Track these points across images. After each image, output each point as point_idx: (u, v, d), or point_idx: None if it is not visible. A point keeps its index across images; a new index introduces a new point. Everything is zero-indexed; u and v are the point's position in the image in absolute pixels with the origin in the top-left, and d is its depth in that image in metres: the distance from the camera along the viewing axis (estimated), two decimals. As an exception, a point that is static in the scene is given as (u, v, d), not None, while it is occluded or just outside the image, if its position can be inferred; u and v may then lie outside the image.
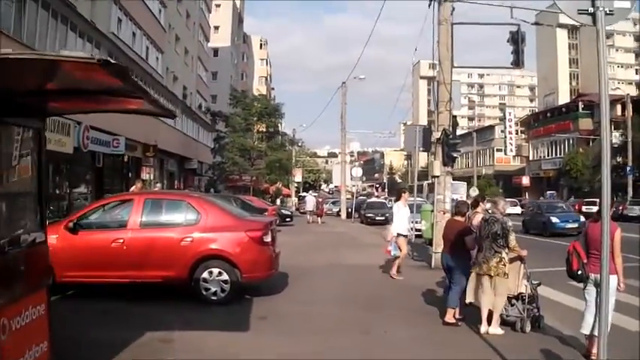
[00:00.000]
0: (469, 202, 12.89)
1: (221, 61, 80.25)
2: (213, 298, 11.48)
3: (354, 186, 53.28)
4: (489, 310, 9.42)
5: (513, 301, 9.67)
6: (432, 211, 19.42)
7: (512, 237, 9.38)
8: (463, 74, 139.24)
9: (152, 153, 37.64)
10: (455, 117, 18.77)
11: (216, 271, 11.50)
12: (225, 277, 11.49)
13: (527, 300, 9.59)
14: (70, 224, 11.75)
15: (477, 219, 10.61)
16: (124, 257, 11.44)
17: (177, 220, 12.04)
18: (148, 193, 14.11)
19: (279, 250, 13.08)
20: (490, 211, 9.99)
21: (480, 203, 11.90)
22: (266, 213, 25.16)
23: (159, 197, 13.25)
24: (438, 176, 18.35)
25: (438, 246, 17.51)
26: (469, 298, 9.91)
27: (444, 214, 17.90)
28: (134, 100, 6.01)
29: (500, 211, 9.66)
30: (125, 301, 11.68)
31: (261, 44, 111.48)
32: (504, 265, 9.30)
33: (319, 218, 46.47)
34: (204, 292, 11.50)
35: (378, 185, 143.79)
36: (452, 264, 10.31)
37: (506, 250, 9.36)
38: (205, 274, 11.49)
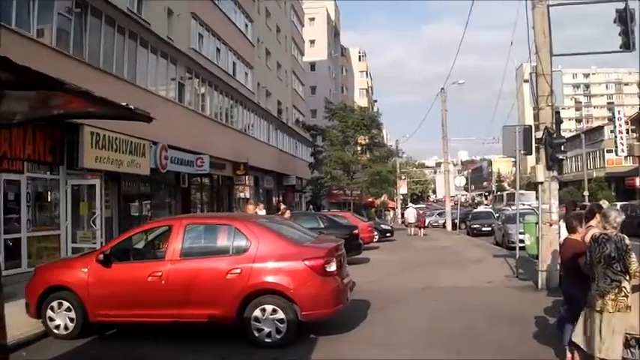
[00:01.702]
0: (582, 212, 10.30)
1: (319, 75, 79.14)
2: (267, 340, 9.46)
3: (462, 195, 50.73)
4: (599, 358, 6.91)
5: (633, 342, 7.14)
6: (537, 223, 16.67)
7: (633, 258, 6.83)
8: (567, 74, 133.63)
9: (242, 171, 36.21)
10: (558, 113, 16.02)
11: (269, 308, 9.49)
12: (280, 315, 9.44)
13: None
14: (101, 256, 10.09)
15: (589, 236, 8.17)
16: (162, 293, 9.66)
17: (222, 248, 10.17)
18: (190, 218, 12.20)
19: (349, 279, 10.95)
20: (602, 224, 7.49)
21: (597, 214, 9.36)
22: (356, 231, 22.94)
23: (201, 222, 11.33)
24: (542, 182, 15.71)
25: (545, 263, 15.18)
26: (577, 339, 7.39)
27: (551, 226, 15.31)
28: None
29: (612, 225, 7.15)
30: (168, 344, 9.99)
31: (359, 56, 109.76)
32: (626, 296, 6.80)
33: (421, 230, 44.75)
34: (257, 334, 9.49)
35: (487, 194, 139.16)
36: (573, 291, 7.92)
37: (627, 277, 6.85)
38: (257, 312, 9.49)
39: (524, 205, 30.35)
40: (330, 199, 62.49)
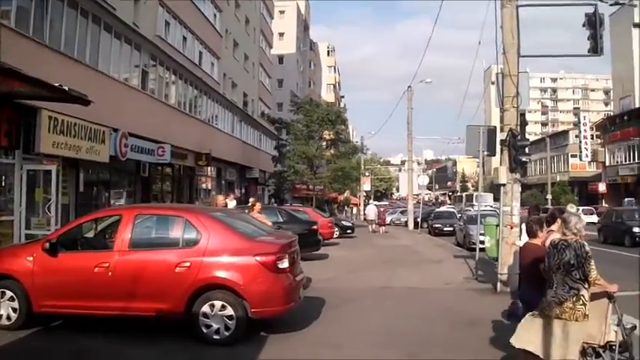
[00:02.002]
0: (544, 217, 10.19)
1: (286, 69, 78.82)
2: (216, 337, 9.20)
3: (426, 194, 51.00)
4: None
5: (600, 350, 7.03)
6: (498, 225, 16.61)
7: (592, 266, 6.72)
8: (535, 78, 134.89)
9: (204, 162, 35.82)
10: (523, 115, 15.99)
11: (218, 304, 9.22)
12: (229, 311, 9.18)
13: (617, 349, 6.97)
14: (47, 244, 9.75)
15: (549, 241, 8.04)
16: (109, 285, 9.36)
17: (172, 240, 9.89)
18: (140, 208, 11.83)
19: (302, 276, 10.76)
20: (562, 230, 7.38)
21: (559, 219, 9.23)
22: (315, 227, 22.76)
23: (152, 212, 10.93)
24: (504, 184, 15.62)
25: (504, 266, 15.10)
26: (520, 343, 7.22)
27: (512, 228, 15.28)
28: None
29: (572, 230, 7.02)
30: (115, 337, 9.72)
31: (328, 51, 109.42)
32: (584, 304, 6.69)
33: (382, 228, 44.83)
34: (205, 330, 9.22)
35: (450, 193, 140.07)
36: (532, 297, 7.66)
37: (586, 285, 6.75)
38: (206, 308, 9.22)
39: (484, 206, 30.46)
40: (294, 193, 62.32)
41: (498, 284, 15.17)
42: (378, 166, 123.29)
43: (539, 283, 7.38)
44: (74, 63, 21.00)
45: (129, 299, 9.33)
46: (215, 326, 9.21)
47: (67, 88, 4.54)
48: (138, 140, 26.40)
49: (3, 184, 19.06)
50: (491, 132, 17.82)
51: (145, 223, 10.18)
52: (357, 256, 24.23)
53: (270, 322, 10.04)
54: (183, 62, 33.05)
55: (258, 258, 9.30)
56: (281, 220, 21.97)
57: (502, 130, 15.72)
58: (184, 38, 34.33)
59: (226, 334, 9.22)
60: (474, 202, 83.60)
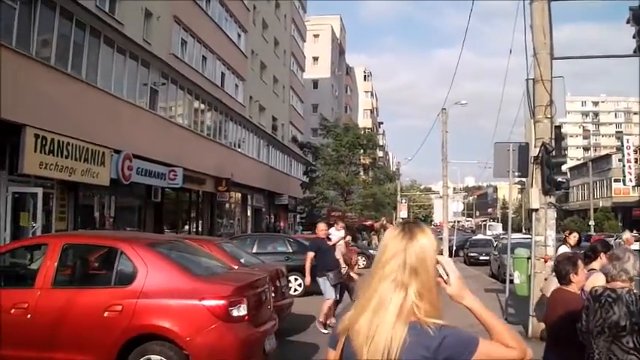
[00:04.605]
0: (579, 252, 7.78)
1: (321, 93, 77.26)
2: (153, 401, 7.26)
3: (467, 221, 49.10)
4: None
5: None
6: (530, 258, 14.28)
7: None
8: (576, 102, 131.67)
9: (224, 187, 34.21)
10: (559, 127, 13.78)
11: (156, 359, 7.33)
12: (169, 369, 7.26)
13: None
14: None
15: (591, 283, 5.83)
16: (27, 330, 7.51)
17: (103, 277, 8.12)
18: (70, 236, 10.00)
19: (272, 324, 8.75)
20: (609, 274, 5.18)
21: (602, 254, 6.88)
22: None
23: (82, 242, 9.07)
24: (536, 210, 13.40)
25: (538, 305, 12.87)
26: None
27: (546, 262, 12.99)
28: None
29: (629, 274, 4.86)
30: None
31: (365, 76, 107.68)
32: None
33: None
34: (140, 392, 7.29)
35: (494, 219, 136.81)
36: None
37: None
38: (141, 365, 7.32)
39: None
40: (329, 221, 60.41)
41: (529, 327, 12.92)
42: (417, 192, 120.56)
43: (574, 349, 5.08)
44: (68, 79, 19.55)
45: (50, 349, 7.45)
46: (152, 388, 7.25)
47: None
48: (145, 163, 24.90)
49: (-15, 208, 17.58)
50: (523, 149, 15.34)
51: (74, 254, 8.35)
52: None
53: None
54: (201, 83, 31.58)
55: (205, 302, 7.36)
56: (290, 250, 20.16)
57: (534, 145, 13.54)
58: (204, 58, 32.89)
59: (166, 398, 7.24)
60: (488, 231, 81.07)
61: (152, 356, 7.30)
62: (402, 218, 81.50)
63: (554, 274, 6.35)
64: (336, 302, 13.82)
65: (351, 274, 15.17)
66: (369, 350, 2.41)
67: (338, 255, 14.52)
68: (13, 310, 7.59)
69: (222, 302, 7.40)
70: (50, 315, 7.53)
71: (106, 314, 7.37)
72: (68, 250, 8.19)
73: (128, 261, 7.69)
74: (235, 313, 7.49)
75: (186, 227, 32.62)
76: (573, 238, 13.65)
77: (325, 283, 13.29)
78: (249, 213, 44.83)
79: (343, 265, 14.70)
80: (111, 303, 7.41)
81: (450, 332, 2.44)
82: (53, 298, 7.65)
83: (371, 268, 2.54)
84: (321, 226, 14.38)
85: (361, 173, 53.01)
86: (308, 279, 13.61)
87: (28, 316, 7.55)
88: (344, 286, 14.32)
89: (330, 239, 14.70)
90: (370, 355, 2.41)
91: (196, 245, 9.68)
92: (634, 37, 13.11)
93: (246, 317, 7.67)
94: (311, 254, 13.52)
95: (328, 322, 13.15)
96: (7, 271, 8.87)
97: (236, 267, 10.19)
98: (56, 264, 7.82)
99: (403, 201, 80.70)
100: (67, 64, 19.77)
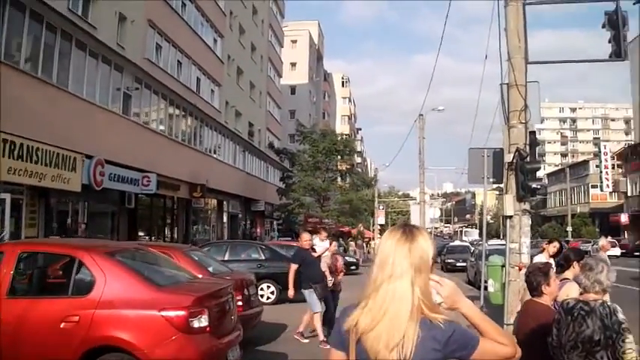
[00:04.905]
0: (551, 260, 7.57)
1: (299, 99, 77.07)
2: (110, 415, 6.98)
3: (445, 227, 49.18)
4: None
5: None
6: (504, 266, 14.12)
7: (629, 345, 4.30)
8: (554, 108, 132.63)
9: (199, 193, 33.90)
10: (533, 133, 13.54)
11: (113, 371, 7.05)
12: (126, 382, 7.00)
13: None
14: None
15: (564, 294, 5.62)
16: (-19, 342, 7.27)
17: (60, 286, 7.77)
18: (26, 244, 9.74)
19: (236, 335, 8.43)
20: (581, 285, 5.00)
21: (575, 263, 6.64)
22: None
23: (39, 249, 8.79)
24: (510, 216, 13.23)
25: (512, 315, 12.52)
26: None
27: (520, 270, 12.78)
28: None
29: (602, 285, 4.64)
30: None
31: (343, 82, 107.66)
32: None
33: None
34: (97, 406, 7.01)
35: (469, 226, 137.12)
36: None
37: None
38: (98, 377, 7.04)
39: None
40: (306, 227, 60.14)
41: (505, 337, 12.71)
42: (395, 199, 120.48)
43: None
44: (38, 83, 19.26)
45: (4, 362, 7.24)
46: (109, 401, 6.99)
47: None
48: (118, 169, 24.57)
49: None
50: (498, 155, 15.21)
51: (31, 263, 8.10)
52: (350, 297, 21.97)
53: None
54: (176, 88, 31.28)
55: (164, 313, 7.10)
56: (262, 258, 19.91)
57: (509, 151, 13.39)
58: (179, 63, 32.61)
59: (123, 412, 6.99)
60: (464, 238, 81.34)
61: (109, 368, 7.03)
62: (380, 225, 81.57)
63: None
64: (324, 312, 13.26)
65: (337, 278, 14.54)
66: (384, 346, 2.56)
67: (324, 267, 13.73)
68: (-33, 321, 7.35)
69: (182, 313, 7.14)
70: (5, 327, 7.26)
71: (62, 325, 7.11)
72: (24, 258, 7.95)
73: (86, 270, 7.42)
74: (196, 324, 7.24)
75: (163, 234, 32.30)
76: (553, 247, 13.39)
77: (312, 296, 12.61)
78: (225, 219, 44.53)
79: (330, 277, 13.92)
80: (68, 313, 7.15)
81: (457, 327, 2.63)
82: (9, 308, 7.38)
83: (374, 269, 2.69)
84: (306, 236, 13.74)
85: (338, 179, 52.89)
86: (292, 292, 12.88)
87: (-18, 327, 7.31)
88: (329, 295, 13.74)
89: (314, 250, 13.94)
90: (385, 351, 2.56)
91: (159, 254, 9.38)
92: (609, 42, 12.98)
93: (208, 328, 7.41)
94: (295, 266, 12.83)
95: (304, 332, 12.89)
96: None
97: (200, 276, 9.89)
98: (12, 273, 7.56)
99: (381, 207, 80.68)
100: (37, 67, 19.45)
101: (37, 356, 7.19)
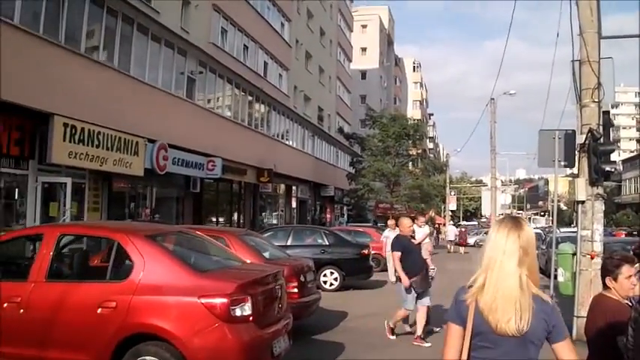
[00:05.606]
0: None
1: (369, 84, 76.26)
2: (148, 406, 6.59)
3: (518, 214, 48.40)
4: None
5: None
6: (574, 254, 13.28)
7: None
8: (630, 93, 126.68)
9: (267, 178, 33.66)
10: (607, 113, 12.68)
11: (151, 360, 6.67)
12: (164, 373, 6.59)
13: None
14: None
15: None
16: (20, 326, 6.97)
17: (98, 270, 7.41)
18: (68, 226, 9.42)
19: (284, 323, 7.86)
20: None
21: None
22: (366, 250, 19.77)
23: (79, 232, 8.44)
24: (582, 202, 12.38)
25: (583, 306, 11.41)
26: None
27: (592, 259, 11.93)
28: None
29: None
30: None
31: (414, 67, 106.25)
32: None
33: (461, 249, 44.06)
34: (134, 396, 6.64)
35: (542, 213, 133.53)
36: None
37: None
38: (135, 367, 6.68)
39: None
40: (377, 212, 59.51)
41: (574, 330, 11.85)
42: (467, 185, 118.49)
43: None
44: (99, 67, 19.18)
45: (43, 347, 6.89)
46: (147, 391, 6.61)
47: None
48: (182, 153, 24.48)
49: (15, 197, 17.29)
50: (570, 137, 14.27)
51: (70, 246, 7.79)
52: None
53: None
54: (242, 72, 31.00)
55: (203, 300, 6.61)
56: (326, 243, 19.39)
57: (581, 132, 12.53)
58: (245, 47, 32.34)
59: (162, 402, 6.59)
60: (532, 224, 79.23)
61: (147, 357, 6.62)
62: (451, 211, 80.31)
63: None
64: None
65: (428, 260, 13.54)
66: (503, 317, 3.02)
67: (425, 255, 12.89)
68: (5, 305, 7.08)
69: (223, 300, 6.64)
70: (43, 310, 6.97)
71: (99, 310, 6.75)
72: (64, 241, 7.64)
73: (124, 253, 7.05)
74: (238, 312, 6.74)
75: (230, 218, 32.23)
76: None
77: (407, 291, 11.39)
78: (294, 204, 44.36)
79: (432, 266, 13.14)
80: (105, 298, 6.78)
81: (555, 304, 3.15)
82: (46, 292, 7.08)
83: (486, 251, 3.18)
84: (407, 222, 12.32)
85: (409, 165, 52.03)
86: (406, 280, 11.27)
87: (21, 311, 7.01)
88: (429, 289, 11.96)
89: (414, 237, 12.87)
90: (504, 322, 3.02)
91: (207, 238, 8.89)
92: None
93: (251, 317, 6.90)
94: (397, 254, 11.52)
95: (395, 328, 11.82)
96: (3, 263, 8.35)
97: (249, 261, 9.39)
98: (51, 255, 7.25)
99: (452, 193, 79.38)
100: (98, 52, 19.41)
101: (75, 342, 6.85)
